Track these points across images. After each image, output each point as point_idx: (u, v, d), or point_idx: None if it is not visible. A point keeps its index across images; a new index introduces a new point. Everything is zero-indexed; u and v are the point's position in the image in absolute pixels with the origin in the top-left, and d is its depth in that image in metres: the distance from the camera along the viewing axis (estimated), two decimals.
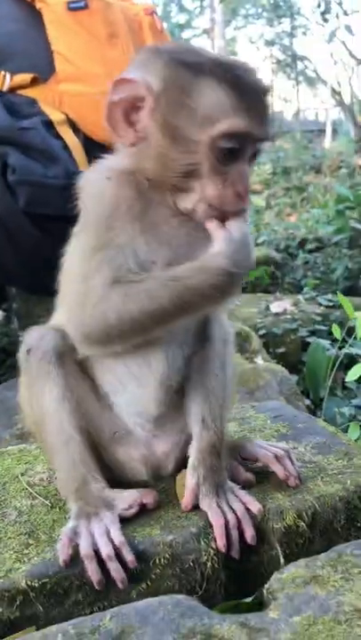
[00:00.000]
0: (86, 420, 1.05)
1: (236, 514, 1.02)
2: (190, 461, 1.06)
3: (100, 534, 0.96)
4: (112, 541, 0.96)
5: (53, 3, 2.22)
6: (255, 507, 1.03)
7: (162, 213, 0.97)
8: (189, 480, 1.05)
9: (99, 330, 0.95)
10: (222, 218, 0.93)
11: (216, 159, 0.90)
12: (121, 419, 1.08)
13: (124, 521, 1.01)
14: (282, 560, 1.01)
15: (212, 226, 0.93)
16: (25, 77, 2.20)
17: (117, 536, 0.97)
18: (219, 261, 0.90)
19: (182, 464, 1.09)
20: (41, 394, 1.03)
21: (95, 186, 0.99)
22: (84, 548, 0.95)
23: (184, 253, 0.95)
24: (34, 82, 2.21)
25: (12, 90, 2.21)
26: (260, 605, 0.91)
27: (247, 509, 1.03)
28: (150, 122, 0.92)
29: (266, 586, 0.90)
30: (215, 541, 0.99)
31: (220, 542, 0.98)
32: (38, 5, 2.23)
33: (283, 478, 1.09)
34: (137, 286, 0.93)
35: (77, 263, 0.98)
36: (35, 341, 1.05)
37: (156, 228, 0.97)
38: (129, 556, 0.95)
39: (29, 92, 2.22)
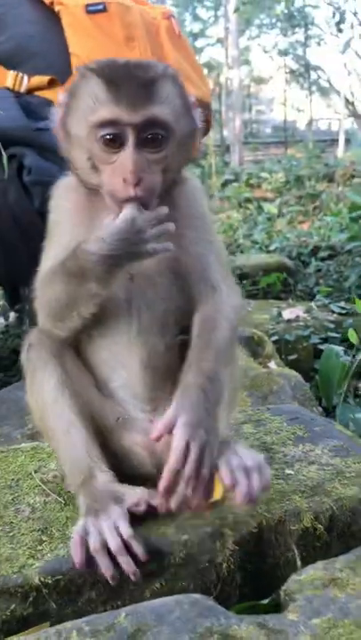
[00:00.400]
0: (89, 409, 1.05)
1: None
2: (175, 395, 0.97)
3: (108, 529, 0.95)
4: (120, 535, 0.94)
5: (72, 5, 2.23)
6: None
7: (103, 218, 0.99)
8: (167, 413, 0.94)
9: (43, 312, 1.06)
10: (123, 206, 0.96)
11: (100, 150, 0.97)
12: (122, 404, 1.08)
13: (136, 520, 0.99)
14: (299, 562, 1.00)
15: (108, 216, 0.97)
16: (42, 79, 2.21)
17: (125, 530, 0.95)
18: (89, 245, 0.94)
19: None
20: (40, 385, 1.05)
21: (53, 198, 1.12)
22: (93, 544, 0.93)
23: None
24: (51, 83, 2.22)
25: (30, 91, 2.22)
26: (276, 607, 0.89)
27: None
28: (60, 134, 1.03)
29: (283, 587, 0.88)
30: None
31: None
32: (57, 8, 2.25)
33: (227, 485, 0.97)
34: (51, 274, 1.02)
35: (42, 256, 1.10)
36: (35, 339, 1.09)
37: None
38: (139, 550, 0.93)
39: (46, 94, 2.23)
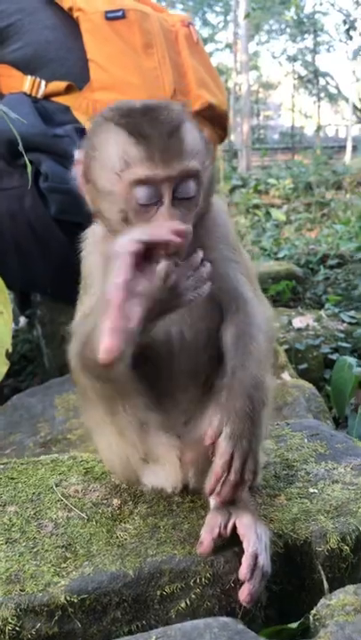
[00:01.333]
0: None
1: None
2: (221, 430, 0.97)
3: None
4: None
5: (91, 12, 2.22)
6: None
7: None
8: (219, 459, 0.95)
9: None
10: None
11: (135, 207, 0.94)
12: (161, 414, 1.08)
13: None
14: (326, 585, 0.98)
15: None
16: (60, 85, 2.21)
17: None
18: None
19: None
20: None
21: (85, 249, 1.10)
22: None
23: None
24: (68, 89, 2.22)
25: (47, 97, 2.22)
26: (304, 631, 0.88)
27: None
28: (87, 187, 1.00)
29: (313, 612, 0.87)
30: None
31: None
32: (75, 14, 2.24)
33: (241, 577, 0.93)
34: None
35: (78, 302, 1.11)
36: None
37: None
38: None
39: (64, 100, 2.23)
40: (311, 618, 0.87)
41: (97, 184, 0.98)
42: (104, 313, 0.83)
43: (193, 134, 0.98)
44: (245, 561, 0.94)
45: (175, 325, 1.05)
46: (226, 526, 0.98)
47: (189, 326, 1.06)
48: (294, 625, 0.91)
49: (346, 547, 1.01)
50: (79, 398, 1.13)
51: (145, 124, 0.94)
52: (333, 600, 0.87)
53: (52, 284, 2.34)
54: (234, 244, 1.12)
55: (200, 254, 0.92)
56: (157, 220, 0.93)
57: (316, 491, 1.13)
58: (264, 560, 0.95)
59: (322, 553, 1.01)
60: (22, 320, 3.00)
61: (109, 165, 0.95)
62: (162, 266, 0.87)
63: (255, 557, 0.94)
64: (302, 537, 1.02)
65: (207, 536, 0.97)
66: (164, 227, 0.86)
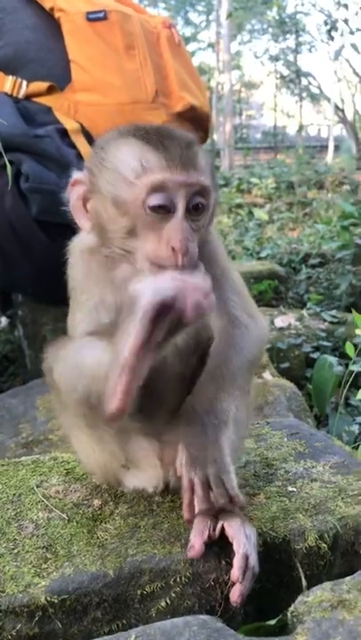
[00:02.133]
0: None
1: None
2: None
3: None
4: None
5: (73, 12, 2.22)
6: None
7: (126, 277, 1.00)
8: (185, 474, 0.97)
9: None
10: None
11: (148, 215, 0.95)
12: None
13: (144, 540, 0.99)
14: (304, 582, 1.00)
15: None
16: (41, 85, 2.20)
17: None
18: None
19: None
20: None
21: (73, 257, 1.10)
22: None
23: None
24: (50, 90, 2.21)
25: (28, 97, 2.21)
26: (282, 628, 0.90)
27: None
28: (92, 202, 1.01)
29: (291, 609, 0.88)
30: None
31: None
32: (57, 15, 2.24)
33: (233, 579, 0.95)
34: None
35: (70, 314, 1.11)
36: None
37: (123, 290, 0.97)
38: None
39: (45, 100, 2.22)
40: (289, 615, 0.88)
41: (109, 194, 0.97)
42: (117, 371, 0.83)
43: (204, 156, 1.01)
44: (237, 563, 0.95)
45: None
46: (215, 529, 0.99)
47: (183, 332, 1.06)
48: (272, 622, 0.92)
49: (324, 544, 1.03)
50: (56, 406, 1.12)
51: (162, 136, 0.97)
52: (311, 597, 0.88)
53: (33, 284, 2.34)
54: (223, 264, 1.13)
55: (208, 279, 0.89)
56: (168, 232, 0.94)
57: (295, 489, 1.15)
58: (254, 561, 0.97)
59: (300, 551, 1.02)
60: (3, 320, 2.98)
61: (124, 173, 0.95)
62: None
63: (246, 559, 0.96)
64: (281, 535, 1.03)
65: (197, 540, 0.98)
66: (190, 283, 0.84)
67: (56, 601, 0.91)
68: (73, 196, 1.03)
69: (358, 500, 1.10)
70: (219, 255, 1.13)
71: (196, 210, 0.97)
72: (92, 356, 0.97)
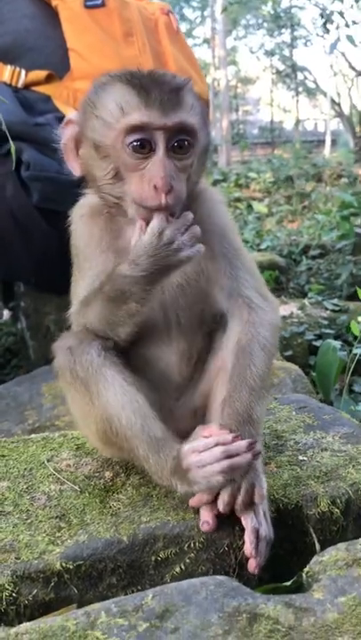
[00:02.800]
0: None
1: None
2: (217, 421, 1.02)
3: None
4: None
5: (70, 0, 2.22)
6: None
7: (129, 236, 1.01)
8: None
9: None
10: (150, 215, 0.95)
11: (129, 156, 0.95)
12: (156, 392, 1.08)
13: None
14: (318, 546, 1.00)
15: (135, 229, 0.96)
16: (40, 74, 2.20)
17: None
18: (123, 269, 0.94)
19: None
20: (104, 388, 1.00)
21: (74, 222, 1.10)
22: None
23: None
24: (49, 79, 2.21)
25: (27, 86, 2.21)
26: (298, 589, 0.90)
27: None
28: (81, 146, 1.02)
29: (306, 569, 0.89)
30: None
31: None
32: (54, 3, 2.23)
33: (247, 554, 0.96)
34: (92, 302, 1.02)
35: (73, 283, 1.10)
36: (74, 341, 1.04)
37: (127, 251, 0.99)
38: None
39: (44, 89, 2.22)
40: (304, 575, 0.89)
41: (92, 139, 0.98)
42: None
43: (193, 99, 1.00)
44: (248, 538, 0.96)
45: (172, 309, 1.06)
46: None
47: (185, 309, 1.07)
48: (288, 583, 0.93)
49: (336, 509, 1.03)
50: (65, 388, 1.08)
51: (148, 80, 0.96)
52: (326, 557, 0.89)
53: (35, 273, 2.33)
54: (232, 235, 1.11)
55: (191, 214, 0.93)
56: (150, 171, 0.94)
57: (305, 458, 1.15)
58: (265, 531, 0.97)
59: (313, 516, 1.02)
60: (6, 313, 2.98)
61: (106, 117, 0.96)
62: (155, 222, 0.90)
63: (256, 532, 0.96)
64: (293, 501, 1.03)
65: (209, 514, 0.97)
66: (240, 447, 0.93)
67: (71, 567, 0.92)
68: (65, 135, 1.03)
69: None
70: (229, 232, 1.11)
71: (180, 148, 0.97)
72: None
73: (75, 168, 1.04)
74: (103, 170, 0.98)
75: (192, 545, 0.96)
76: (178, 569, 0.96)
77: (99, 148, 0.98)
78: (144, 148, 0.94)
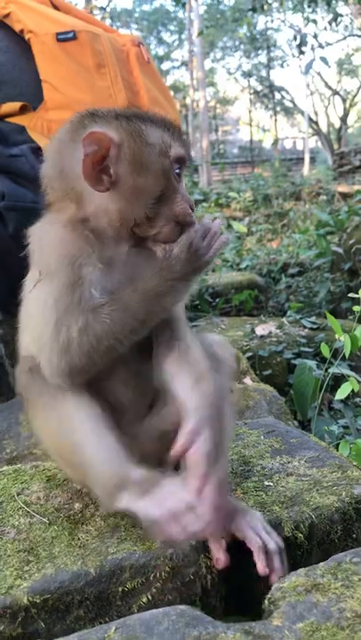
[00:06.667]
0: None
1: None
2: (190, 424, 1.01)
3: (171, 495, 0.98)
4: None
5: (42, 34, 2.26)
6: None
7: (114, 248, 1.09)
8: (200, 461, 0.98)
9: (85, 357, 1.02)
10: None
11: (175, 180, 1.09)
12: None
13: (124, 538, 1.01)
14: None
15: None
16: (14, 105, 2.24)
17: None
18: (172, 265, 1.04)
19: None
20: (62, 407, 1.04)
21: (52, 234, 1.10)
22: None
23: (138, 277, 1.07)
24: (23, 109, 2.24)
25: (1, 117, 2.25)
26: (260, 616, 0.92)
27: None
28: (119, 165, 1.06)
29: (268, 595, 0.91)
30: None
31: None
32: (27, 36, 2.28)
33: (261, 573, 0.99)
34: (111, 308, 1.03)
35: (52, 304, 1.04)
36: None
37: (112, 262, 1.08)
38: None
39: (18, 120, 2.25)
40: (266, 602, 0.90)
41: (143, 164, 1.06)
42: None
43: None
44: (257, 558, 1.00)
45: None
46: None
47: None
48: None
49: (300, 534, 1.06)
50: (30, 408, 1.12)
51: (169, 121, 1.13)
52: (286, 583, 0.91)
53: (12, 301, 2.35)
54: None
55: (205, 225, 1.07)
56: (184, 194, 1.10)
57: (271, 484, 1.17)
58: (271, 542, 1.01)
59: None
60: None
61: (157, 148, 1.08)
62: (187, 235, 1.05)
63: (264, 550, 1.00)
64: None
65: (220, 552, 1.01)
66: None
67: (38, 601, 0.93)
68: (90, 149, 1.04)
69: (333, 490, 1.13)
70: None
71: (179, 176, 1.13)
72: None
73: (98, 184, 1.05)
74: (150, 190, 1.06)
75: (158, 575, 0.98)
76: (145, 599, 0.97)
77: (149, 171, 1.06)
78: (180, 175, 1.11)
